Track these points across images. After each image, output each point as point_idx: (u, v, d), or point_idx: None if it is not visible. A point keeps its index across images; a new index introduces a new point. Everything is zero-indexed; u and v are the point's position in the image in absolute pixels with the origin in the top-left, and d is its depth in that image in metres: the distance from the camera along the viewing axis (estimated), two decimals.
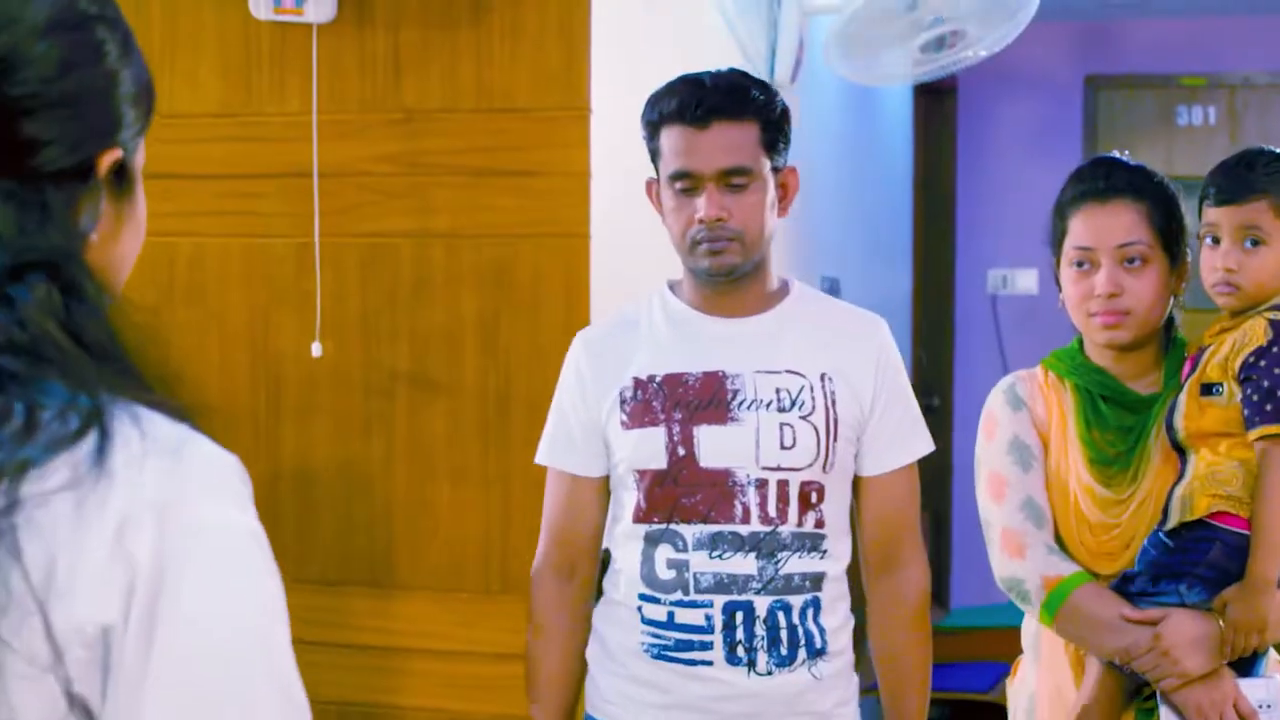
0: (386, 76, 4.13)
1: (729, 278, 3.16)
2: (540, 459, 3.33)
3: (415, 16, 4.10)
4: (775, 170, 3.16)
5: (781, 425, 3.12)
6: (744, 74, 3.19)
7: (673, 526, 3.14)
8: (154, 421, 1.36)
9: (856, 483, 3.24)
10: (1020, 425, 3.28)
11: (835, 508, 3.18)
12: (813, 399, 3.14)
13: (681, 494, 3.14)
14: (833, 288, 6.36)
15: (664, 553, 3.16)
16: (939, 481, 8.42)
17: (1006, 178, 9.18)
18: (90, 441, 1.29)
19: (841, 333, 3.23)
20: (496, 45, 4.04)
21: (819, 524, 3.14)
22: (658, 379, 3.18)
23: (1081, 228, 3.20)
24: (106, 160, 1.43)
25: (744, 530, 3.11)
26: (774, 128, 3.14)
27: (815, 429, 3.13)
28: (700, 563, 3.12)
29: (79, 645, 1.25)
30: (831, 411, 3.15)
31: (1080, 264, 3.20)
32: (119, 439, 1.30)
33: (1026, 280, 8.99)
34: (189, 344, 4.23)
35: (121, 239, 1.47)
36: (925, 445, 3.28)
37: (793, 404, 3.14)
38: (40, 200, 1.37)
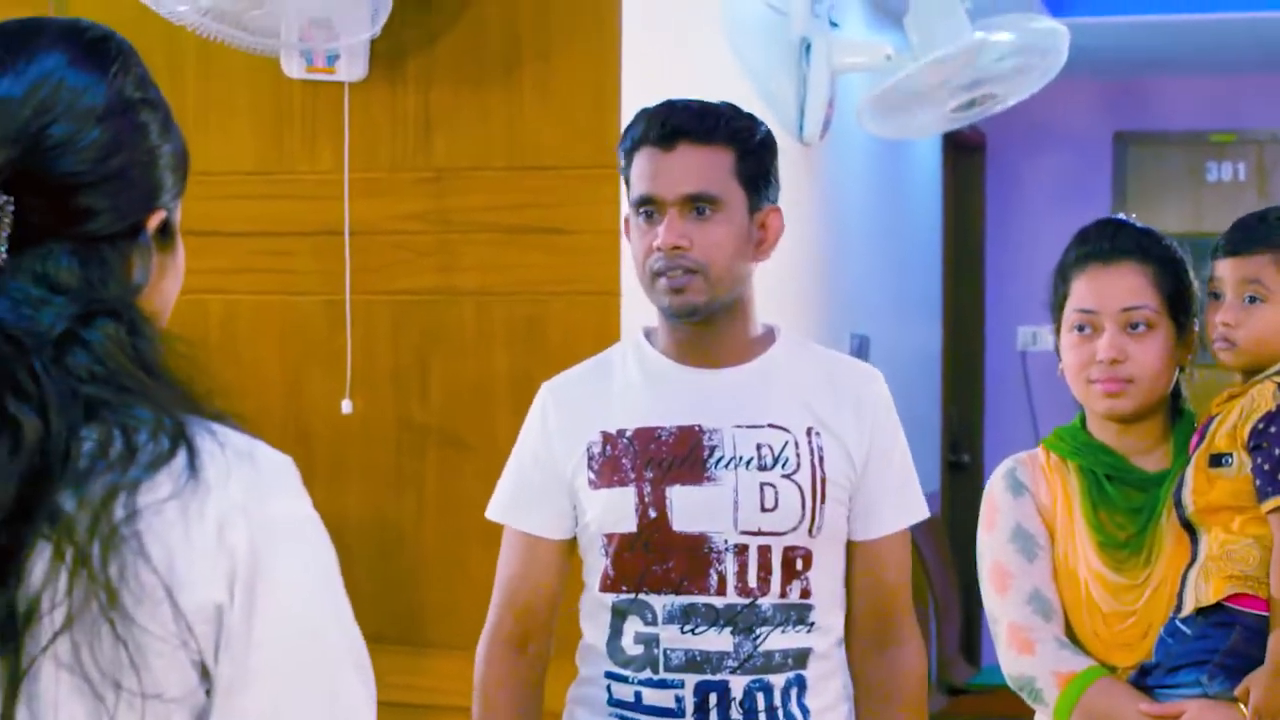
0: (417, 134, 4.15)
1: (693, 319, 2.88)
2: (493, 515, 3.08)
3: (446, 75, 4.12)
4: (754, 208, 2.90)
5: (763, 485, 2.85)
6: (728, 104, 2.97)
7: (641, 597, 2.87)
8: (225, 434, 1.64)
9: (848, 549, 2.97)
10: (1023, 512, 3.08)
11: (825, 576, 2.91)
12: (797, 456, 2.87)
13: (652, 561, 2.86)
14: (862, 345, 6.36)
15: (632, 625, 2.88)
16: (969, 537, 8.38)
17: (1036, 234, 9.17)
18: (181, 457, 1.56)
19: (831, 384, 2.96)
20: (527, 103, 4.06)
21: (805, 594, 2.87)
22: (628, 434, 2.90)
23: (1084, 290, 3.04)
24: (153, 221, 1.68)
25: (719, 602, 2.83)
26: (751, 158, 2.89)
27: (800, 489, 2.86)
28: (671, 638, 2.84)
29: (200, 622, 1.54)
30: (819, 470, 2.88)
31: (1081, 328, 3.03)
32: (205, 453, 1.58)
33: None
34: (220, 401, 4.23)
35: (165, 284, 1.73)
36: (920, 510, 3.04)
37: (775, 461, 2.87)
38: (100, 257, 1.62)
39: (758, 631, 2.84)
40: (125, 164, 1.65)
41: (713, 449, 2.87)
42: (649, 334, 3.04)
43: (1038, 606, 3.02)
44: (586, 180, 4.01)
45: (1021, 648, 3.00)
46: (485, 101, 4.09)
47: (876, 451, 2.94)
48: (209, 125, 4.25)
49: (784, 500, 2.86)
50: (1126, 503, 3.04)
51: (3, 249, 1.57)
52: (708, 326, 2.91)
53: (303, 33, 3.93)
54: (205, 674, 1.57)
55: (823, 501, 2.88)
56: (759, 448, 2.87)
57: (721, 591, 2.84)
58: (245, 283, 4.26)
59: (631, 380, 2.97)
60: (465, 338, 4.12)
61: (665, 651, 2.85)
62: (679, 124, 2.86)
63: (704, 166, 2.85)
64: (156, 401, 1.59)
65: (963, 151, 8.82)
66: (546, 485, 2.98)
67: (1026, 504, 3.09)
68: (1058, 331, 3.12)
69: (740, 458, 2.86)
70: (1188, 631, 2.89)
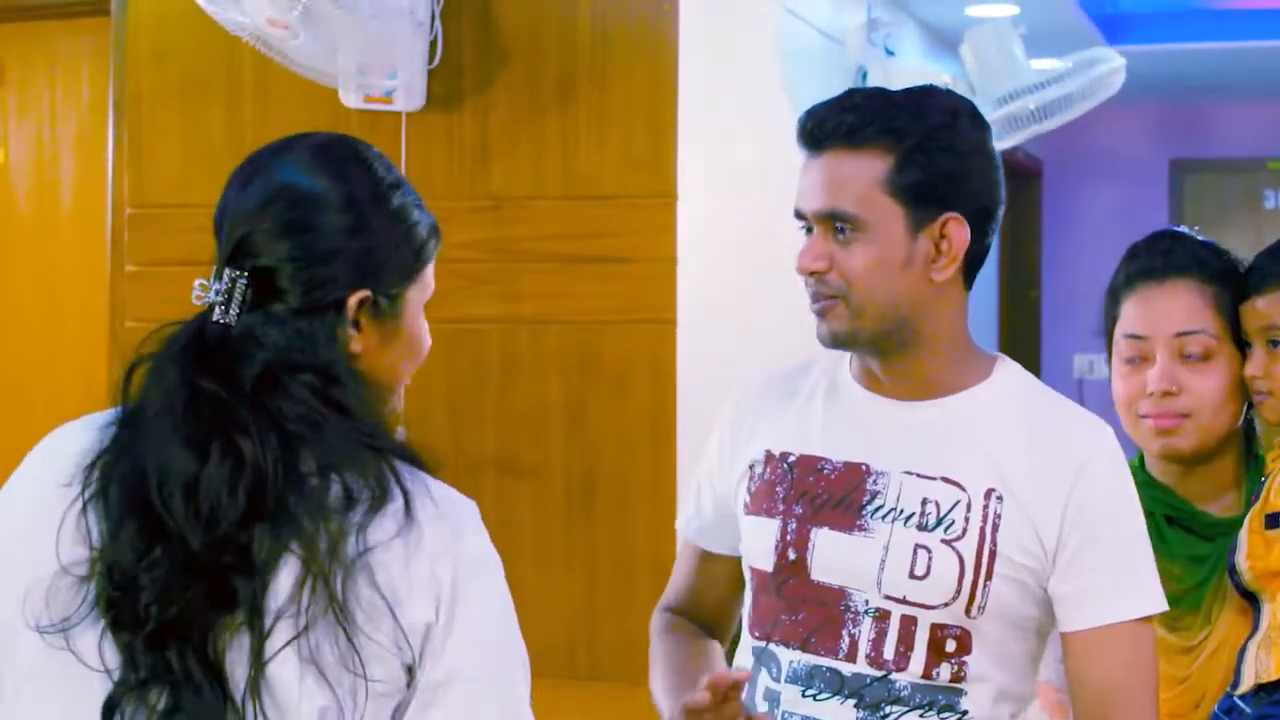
0: (474, 163, 4.16)
1: (846, 349, 2.50)
2: (678, 523, 2.78)
3: (503, 104, 4.13)
4: (921, 222, 2.41)
5: (917, 547, 2.41)
6: (923, 89, 2.50)
7: (771, 647, 2.50)
8: (422, 479, 2.00)
9: (1063, 641, 2.46)
10: None
11: (991, 663, 2.42)
12: (966, 520, 2.40)
13: (784, 609, 2.48)
14: None
15: (763, 679, 2.52)
16: None
17: (1092, 262, 9.10)
18: (399, 500, 1.93)
19: (1037, 440, 2.44)
20: (583, 132, 4.07)
21: (956, 679, 2.40)
22: (792, 459, 2.52)
23: (1134, 313, 2.67)
24: (353, 300, 2.01)
25: (846, 669, 2.43)
26: (916, 163, 2.40)
27: (960, 559, 2.39)
28: (791, 700, 2.47)
29: (414, 635, 1.91)
30: (989, 540, 2.39)
31: (1130, 358, 2.68)
32: (416, 498, 1.94)
33: None
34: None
35: (386, 353, 2.10)
36: (1147, 602, 2.43)
37: (938, 522, 2.41)
38: (300, 326, 1.98)
39: (886, 710, 2.42)
40: (312, 257, 2.00)
41: (874, 495, 2.45)
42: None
43: None
44: (643, 209, 4.02)
45: (1055, 711, 2.66)
46: (542, 131, 4.10)
47: (1079, 527, 2.40)
48: None
49: (938, 569, 2.40)
50: (1187, 551, 2.68)
51: (235, 312, 1.97)
52: (882, 357, 2.49)
53: (361, 65, 3.95)
54: (411, 674, 1.93)
55: (988, 578, 2.39)
56: (924, 503, 2.43)
57: (851, 658, 2.44)
58: None
59: (815, 398, 2.58)
60: (521, 366, 4.13)
61: (784, 715, 2.47)
62: (826, 122, 2.44)
63: (844, 178, 2.41)
64: (348, 437, 1.96)
65: (1019, 179, 8.81)
66: (716, 496, 2.66)
67: None
68: (1110, 360, 2.78)
69: (900, 511, 2.44)
70: (1246, 709, 2.51)
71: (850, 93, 2.48)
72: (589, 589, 4.07)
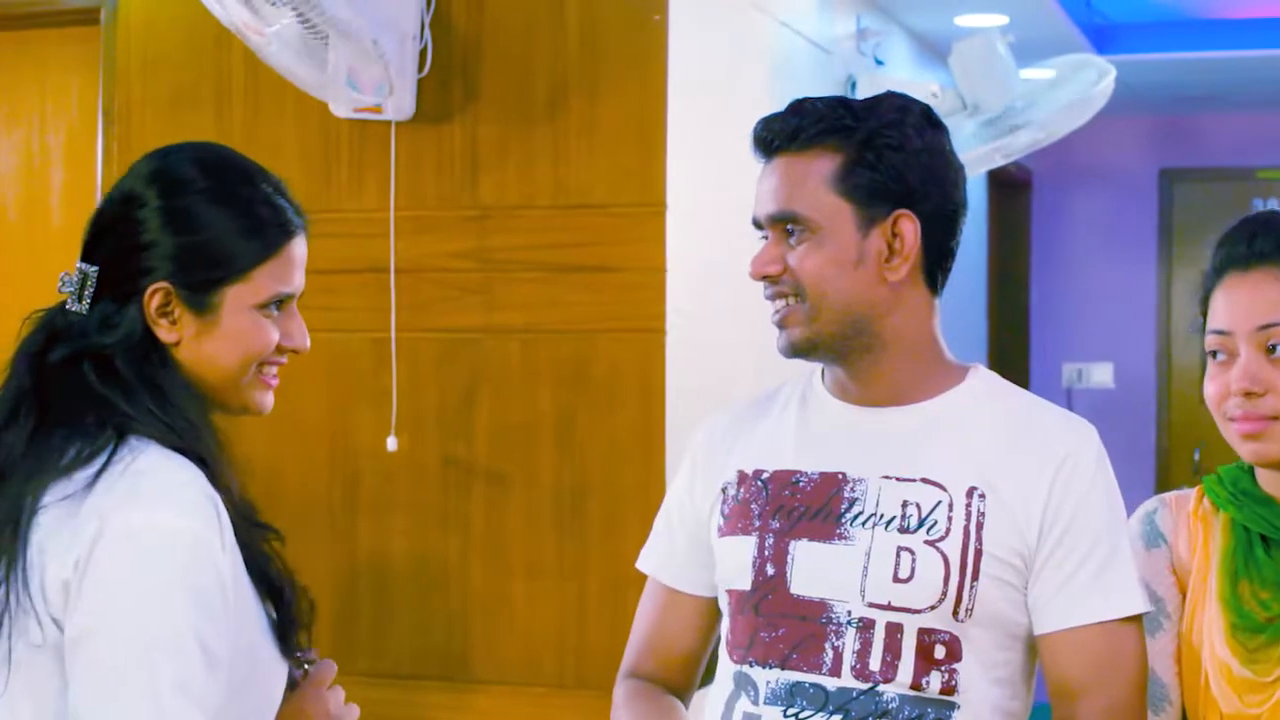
0: (464, 173, 4.16)
1: (807, 358, 2.44)
2: (639, 563, 2.66)
3: (493, 114, 4.13)
4: (871, 220, 2.37)
5: (899, 550, 2.33)
6: (877, 95, 2.48)
7: (747, 670, 2.39)
8: (153, 454, 2.09)
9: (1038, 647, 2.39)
10: (1154, 569, 2.47)
11: (980, 673, 2.33)
12: (949, 519, 2.32)
13: (762, 626, 2.38)
14: None
15: (741, 705, 2.40)
16: None
17: (1082, 271, 9.17)
18: (95, 468, 2.06)
19: (1018, 439, 2.39)
20: (573, 142, 4.07)
21: (948, 690, 2.30)
22: (765, 475, 2.45)
23: (1219, 306, 2.41)
24: (149, 293, 2.17)
25: (830, 684, 2.32)
26: (865, 161, 2.37)
27: (945, 559, 2.31)
28: None
29: (52, 590, 2.02)
30: (973, 538, 2.32)
31: (1215, 353, 2.41)
32: (113, 469, 2.06)
33: (1102, 374, 8.96)
34: (267, 437, 4.26)
35: (202, 345, 2.20)
36: (1125, 603, 2.34)
37: (920, 524, 2.33)
38: (107, 313, 2.19)
39: None
40: (111, 251, 2.20)
41: (852, 502, 2.37)
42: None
43: (1146, 692, 2.41)
44: (632, 219, 4.02)
45: None
46: (531, 140, 4.10)
47: (1060, 522, 2.34)
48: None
49: (922, 571, 2.32)
50: (1278, 575, 2.39)
51: (85, 302, 2.19)
52: (847, 363, 2.44)
53: (350, 74, 3.95)
54: (59, 628, 2.03)
55: (974, 578, 2.31)
56: (904, 505, 2.35)
57: (835, 672, 2.32)
58: None
59: (787, 414, 2.52)
60: (511, 375, 4.13)
61: None
62: (775, 127, 2.43)
63: (793, 180, 2.39)
64: (102, 414, 2.11)
65: (1008, 189, 8.81)
66: (688, 531, 2.56)
67: (1160, 558, 2.49)
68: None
69: (881, 515, 2.35)
70: None
71: (802, 100, 2.45)
72: (578, 598, 4.07)
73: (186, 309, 2.18)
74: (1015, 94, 5.26)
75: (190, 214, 2.19)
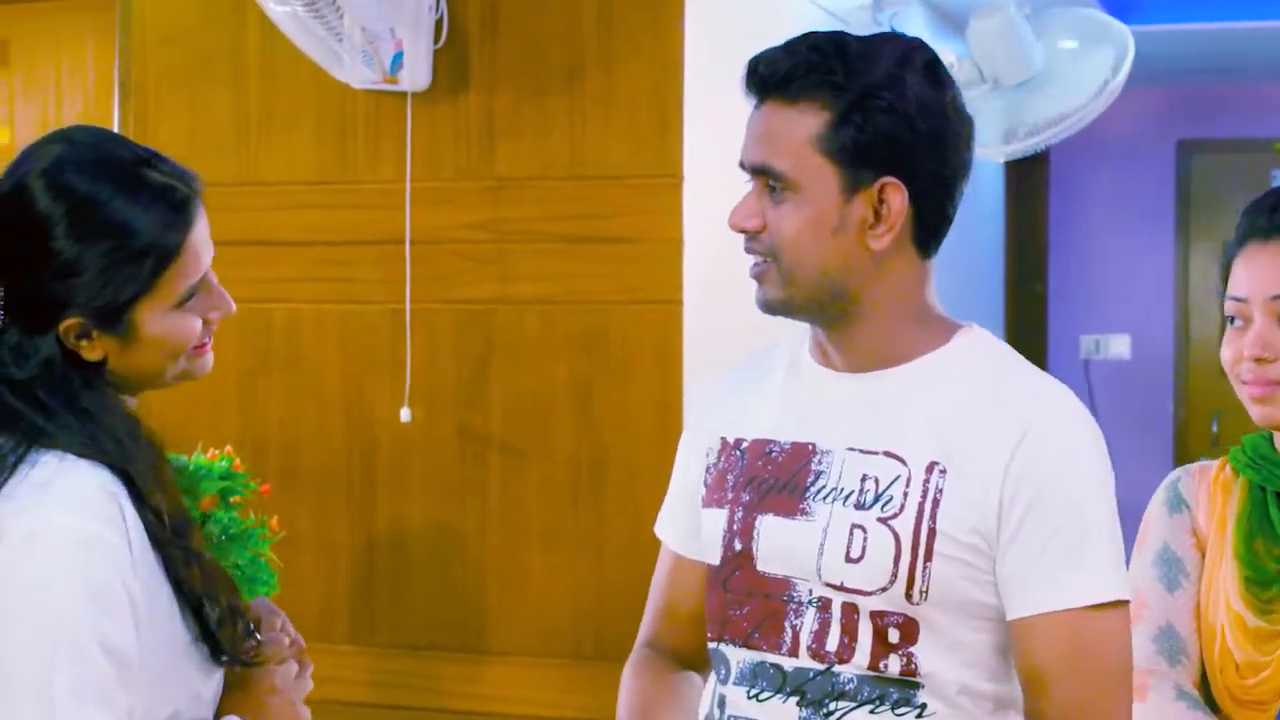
0: (480, 144, 4.16)
1: (781, 315, 2.30)
2: (655, 527, 2.59)
3: (508, 85, 4.13)
4: (855, 185, 2.20)
5: (853, 528, 2.20)
6: (881, 37, 2.27)
7: (721, 648, 2.32)
8: (60, 464, 2.06)
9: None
10: (1175, 532, 2.55)
11: (942, 656, 2.20)
12: (904, 496, 2.19)
13: (730, 603, 2.30)
14: None
15: (714, 683, 2.35)
16: None
17: (1099, 243, 9.15)
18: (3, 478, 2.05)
19: (986, 407, 2.22)
20: (589, 113, 4.07)
21: (908, 672, 2.19)
22: (745, 444, 2.34)
23: (1238, 273, 2.50)
24: (63, 328, 2.12)
25: (788, 664, 2.24)
26: (853, 120, 2.18)
27: (896, 538, 2.18)
28: (737, 702, 2.28)
29: None
30: (927, 516, 2.17)
31: (1233, 319, 2.50)
32: (18, 473, 2.05)
33: (1119, 345, 8.94)
34: (284, 409, 4.26)
35: (130, 356, 2.16)
36: (1102, 588, 2.16)
37: (875, 500, 2.20)
38: (15, 342, 2.14)
39: (831, 707, 2.21)
40: (15, 276, 2.13)
41: (818, 475, 2.25)
42: None
43: (1165, 645, 2.50)
44: (648, 189, 4.02)
45: (1137, 692, 2.34)
46: (547, 111, 4.10)
47: (1021, 498, 2.17)
48: (272, 136, 4.28)
49: (872, 550, 2.19)
50: None
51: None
52: (826, 327, 2.30)
53: (366, 44, 3.95)
54: None
55: (928, 558, 2.17)
56: (863, 479, 2.22)
57: (794, 652, 2.23)
58: (308, 291, 4.28)
59: (774, 379, 2.39)
60: (526, 346, 4.13)
61: (729, 719, 2.29)
62: (766, 67, 2.23)
63: (778, 132, 2.22)
64: (20, 433, 2.09)
65: (1024, 162, 8.77)
66: (687, 495, 2.46)
67: (1182, 522, 2.57)
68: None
69: (841, 490, 2.23)
70: None
71: (802, 37, 2.24)
72: (595, 570, 4.07)
73: (103, 333, 2.14)
74: (1034, 68, 5.24)
75: (100, 237, 2.12)
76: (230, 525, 3.52)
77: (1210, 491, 2.55)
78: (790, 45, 2.22)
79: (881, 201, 2.20)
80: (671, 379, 3.99)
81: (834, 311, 2.26)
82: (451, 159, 4.18)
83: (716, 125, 4.17)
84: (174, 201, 2.15)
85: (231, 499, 3.58)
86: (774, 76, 2.21)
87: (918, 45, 2.26)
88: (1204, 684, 2.50)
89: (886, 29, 5.35)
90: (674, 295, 4.00)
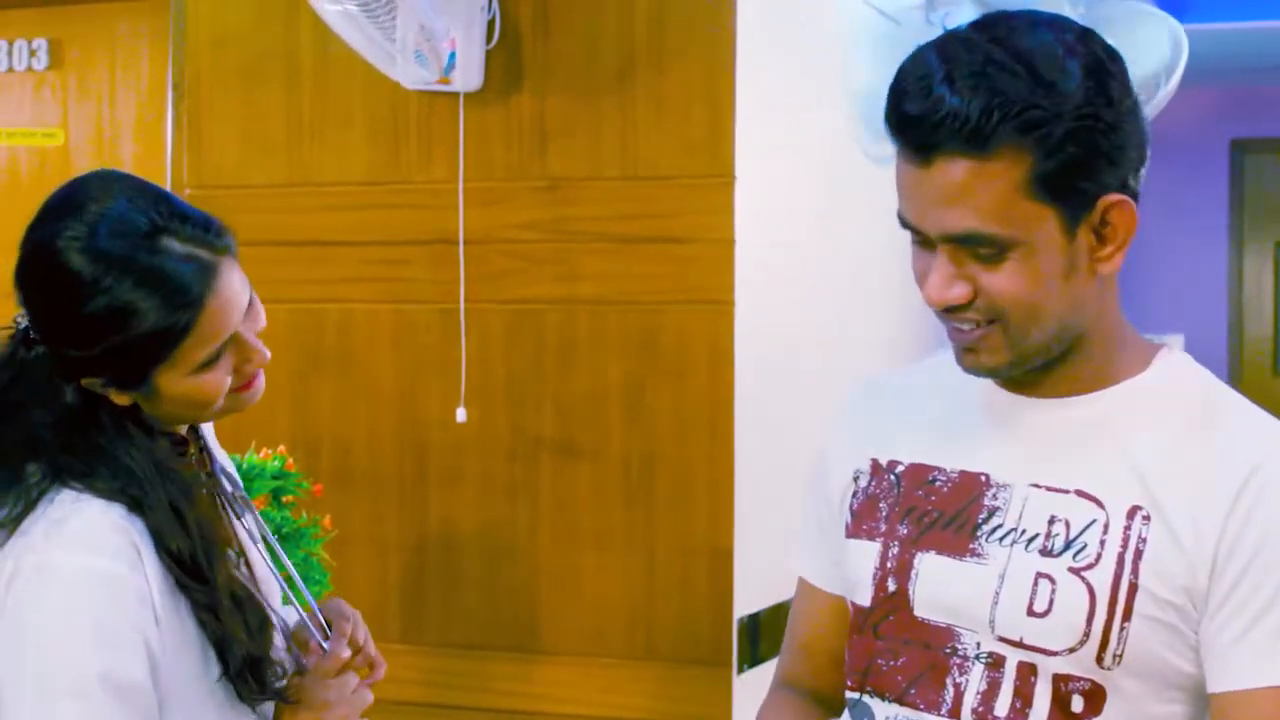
0: (532, 144, 4.16)
1: (992, 378, 2.04)
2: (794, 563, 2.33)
3: (561, 85, 4.13)
4: (1077, 218, 1.92)
5: (1038, 576, 1.93)
6: (1041, 45, 1.89)
7: (864, 699, 2.07)
8: (74, 503, 2.08)
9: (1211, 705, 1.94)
10: None
11: None
12: (1102, 545, 1.91)
13: (880, 652, 2.05)
14: None
15: None
16: None
17: (1153, 243, 9.10)
18: (17, 512, 2.07)
19: (1194, 443, 1.95)
20: (641, 113, 4.06)
21: None
22: (900, 469, 2.09)
23: None
24: (86, 384, 2.15)
25: None
26: (1062, 151, 1.86)
27: (1091, 592, 1.90)
28: None
29: None
30: (1128, 570, 1.90)
31: None
32: (30, 515, 2.07)
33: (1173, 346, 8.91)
34: (336, 408, 4.27)
35: (160, 408, 2.19)
36: None
37: (1066, 546, 1.93)
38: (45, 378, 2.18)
39: None
40: (49, 328, 2.16)
41: (992, 511, 1.99)
42: None
43: None
44: (701, 190, 4.01)
45: None
46: (600, 111, 4.10)
47: (1253, 556, 1.88)
48: (325, 137, 4.28)
49: (1061, 604, 1.92)
50: None
51: (37, 348, 2.17)
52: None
53: (419, 45, 3.96)
54: None
55: (1126, 618, 1.90)
56: (1051, 522, 1.95)
57: (955, 713, 1.98)
58: (361, 292, 4.29)
59: (934, 396, 2.13)
60: (579, 347, 4.13)
61: None
62: (939, 120, 1.86)
63: (973, 192, 1.87)
64: (40, 467, 2.11)
65: None
66: (819, 518, 2.22)
67: None
68: None
69: (1022, 531, 1.96)
70: None
71: (951, 76, 1.88)
72: (647, 570, 4.07)
73: (123, 392, 2.18)
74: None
75: (103, 321, 2.12)
76: (283, 525, 3.54)
77: None
78: (953, 89, 1.87)
79: (1105, 223, 1.95)
80: (723, 379, 3.99)
81: (1057, 349, 2.00)
82: (504, 159, 4.19)
83: (769, 125, 4.16)
84: (188, 278, 2.11)
85: (284, 498, 3.59)
86: (954, 127, 1.86)
87: (1081, 33, 1.95)
88: None
89: (939, 28, 5.32)
90: (726, 296, 3.99)
